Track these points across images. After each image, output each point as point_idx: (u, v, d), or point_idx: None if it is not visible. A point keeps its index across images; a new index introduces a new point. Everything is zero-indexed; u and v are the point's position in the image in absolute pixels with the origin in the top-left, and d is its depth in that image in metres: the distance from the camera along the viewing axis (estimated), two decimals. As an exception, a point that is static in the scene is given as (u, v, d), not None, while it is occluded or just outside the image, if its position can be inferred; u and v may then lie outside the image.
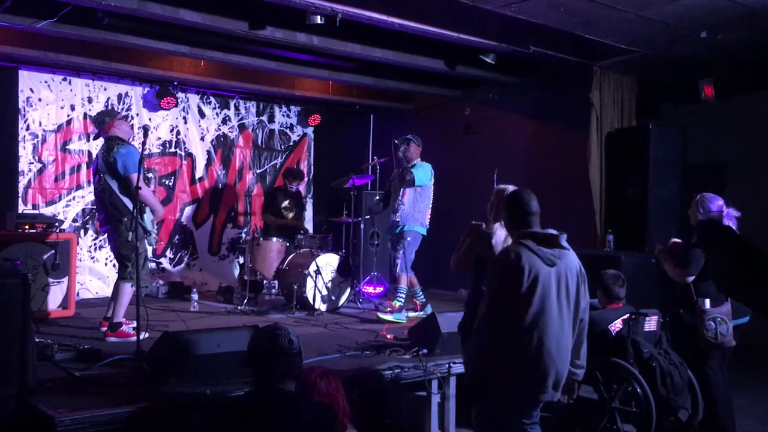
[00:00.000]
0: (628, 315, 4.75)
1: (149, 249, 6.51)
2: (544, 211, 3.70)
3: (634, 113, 7.85)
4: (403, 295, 6.87)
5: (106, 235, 6.75)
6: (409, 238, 6.83)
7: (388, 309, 6.84)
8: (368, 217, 8.63)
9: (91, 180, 6.20)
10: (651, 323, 4.82)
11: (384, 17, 6.06)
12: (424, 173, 6.92)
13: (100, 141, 5.90)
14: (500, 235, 4.09)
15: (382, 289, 8.36)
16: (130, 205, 5.38)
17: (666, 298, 5.55)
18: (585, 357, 3.64)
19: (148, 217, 5.64)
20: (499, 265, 3.50)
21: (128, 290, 5.55)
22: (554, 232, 3.53)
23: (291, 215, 8.67)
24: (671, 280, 4.97)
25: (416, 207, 6.90)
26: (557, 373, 3.43)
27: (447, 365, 4.87)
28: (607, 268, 5.17)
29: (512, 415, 3.48)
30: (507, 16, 5.90)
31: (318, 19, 5.94)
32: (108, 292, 7.23)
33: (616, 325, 4.70)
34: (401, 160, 7.07)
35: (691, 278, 4.82)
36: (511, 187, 4.24)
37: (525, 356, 3.38)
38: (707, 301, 4.73)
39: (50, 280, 6.64)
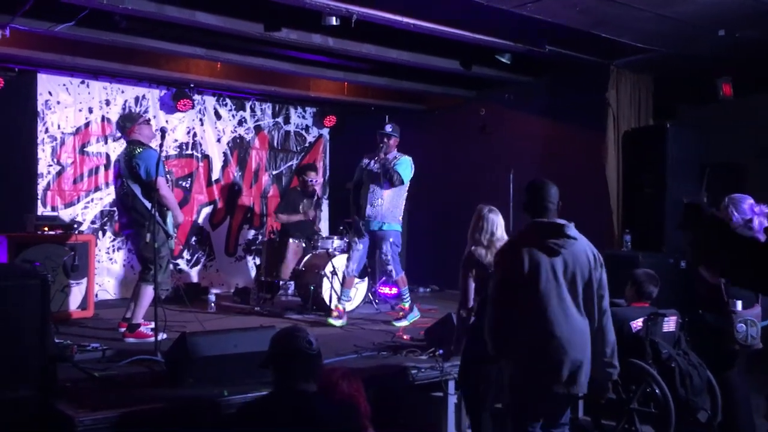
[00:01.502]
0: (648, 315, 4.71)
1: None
2: (560, 210, 3.69)
3: (651, 112, 7.79)
4: (407, 295, 6.90)
5: (125, 237, 6.79)
6: (391, 239, 6.73)
7: (401, 314, 6.85)
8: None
9: (112, 183, 6.25)
10: (670, 324, 4.77)
11: (399, 18, 6.06)
12: (409, 169, 6.75)
13: (120, 144, 5.94)
14: (481, 252, 4.37)
15: (397, 289, 8.34)
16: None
17: (684, 299, 5.49)
18: (615, 355, 3.61)
19: (170, 221, 5.68)
20: (499, 257, 3.61)
21: (149, 292, 5.57)
22: (560, 221, 3.55)
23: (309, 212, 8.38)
24: (693, 281, 4.91)
25: (395, 203, 6.77)
26: (572, 364, 3.42)
27: (463, 366, 4.85)
28: (625, 268, 5.14)
29: (534, 412, 3.50)
30: (522, 16, 5.87)
31: (333, 21, 5.94)
32: (126, 293, 7.28)
33: (638, 323, 4.66)
34: (379, 152, 6.76)
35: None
36: (487, 208, 4.51)
37: (535, 347, 3.41)
38: (739, 303, 4.67)
39: (69, 281, 6.71)
